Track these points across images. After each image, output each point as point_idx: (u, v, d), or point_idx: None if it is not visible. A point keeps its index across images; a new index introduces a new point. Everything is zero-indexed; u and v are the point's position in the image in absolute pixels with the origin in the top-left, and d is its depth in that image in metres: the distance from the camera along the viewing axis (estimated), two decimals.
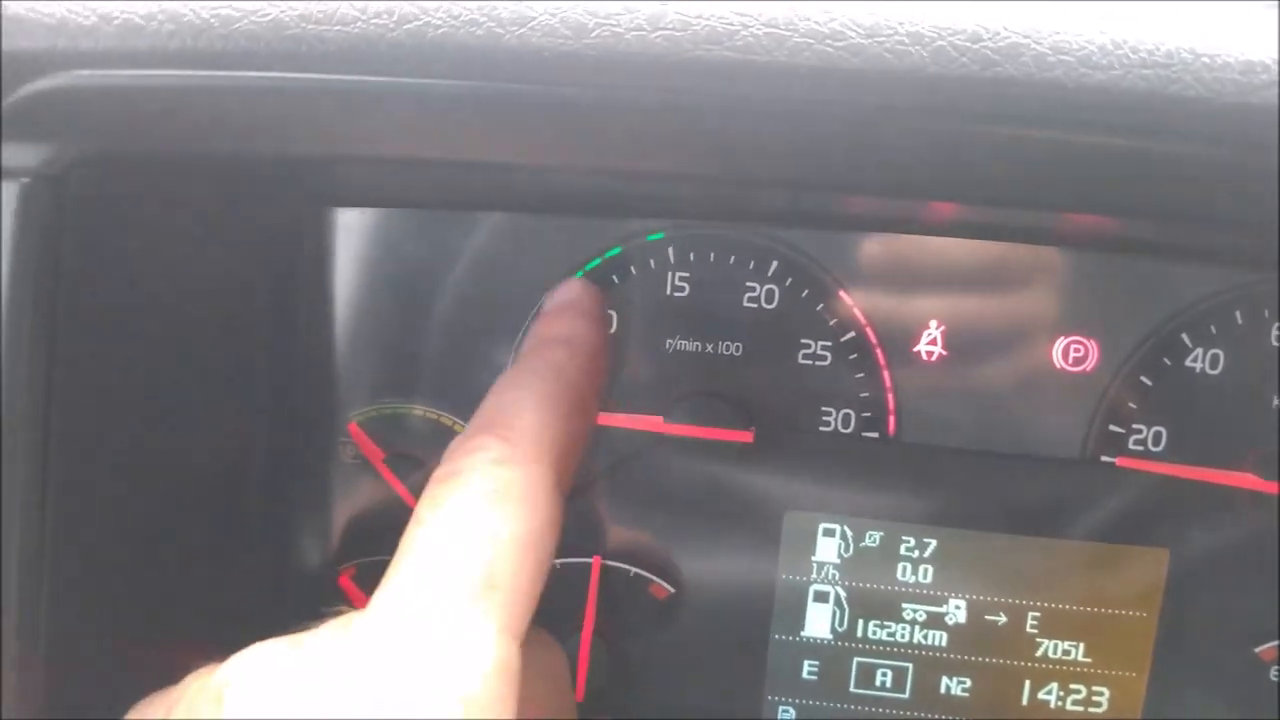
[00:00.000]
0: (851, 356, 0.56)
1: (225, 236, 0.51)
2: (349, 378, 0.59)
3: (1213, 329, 0.53)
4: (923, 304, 0.55)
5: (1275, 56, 0.34)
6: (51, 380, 0.42)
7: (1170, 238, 0.51)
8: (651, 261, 0.56)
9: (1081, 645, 0.55)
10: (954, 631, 0.56)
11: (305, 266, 0.57)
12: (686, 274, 0.56)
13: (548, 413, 0.42)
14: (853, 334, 0.55)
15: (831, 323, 0.55)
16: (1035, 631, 0.55)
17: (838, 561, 0.56)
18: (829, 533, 0.56)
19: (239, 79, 0.36)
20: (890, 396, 0.56)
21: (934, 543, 0.55)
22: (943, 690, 0.56)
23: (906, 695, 0.56)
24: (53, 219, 0.40)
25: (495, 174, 0.47)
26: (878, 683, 0.56)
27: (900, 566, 0.55)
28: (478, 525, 0.37)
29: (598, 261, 0.56)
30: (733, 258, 0.55)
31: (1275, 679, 0.55)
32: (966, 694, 0.56)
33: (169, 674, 0.45)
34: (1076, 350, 0.54)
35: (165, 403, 0.49)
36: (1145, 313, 0.54)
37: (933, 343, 0.55)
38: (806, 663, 0.57)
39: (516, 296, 0.57)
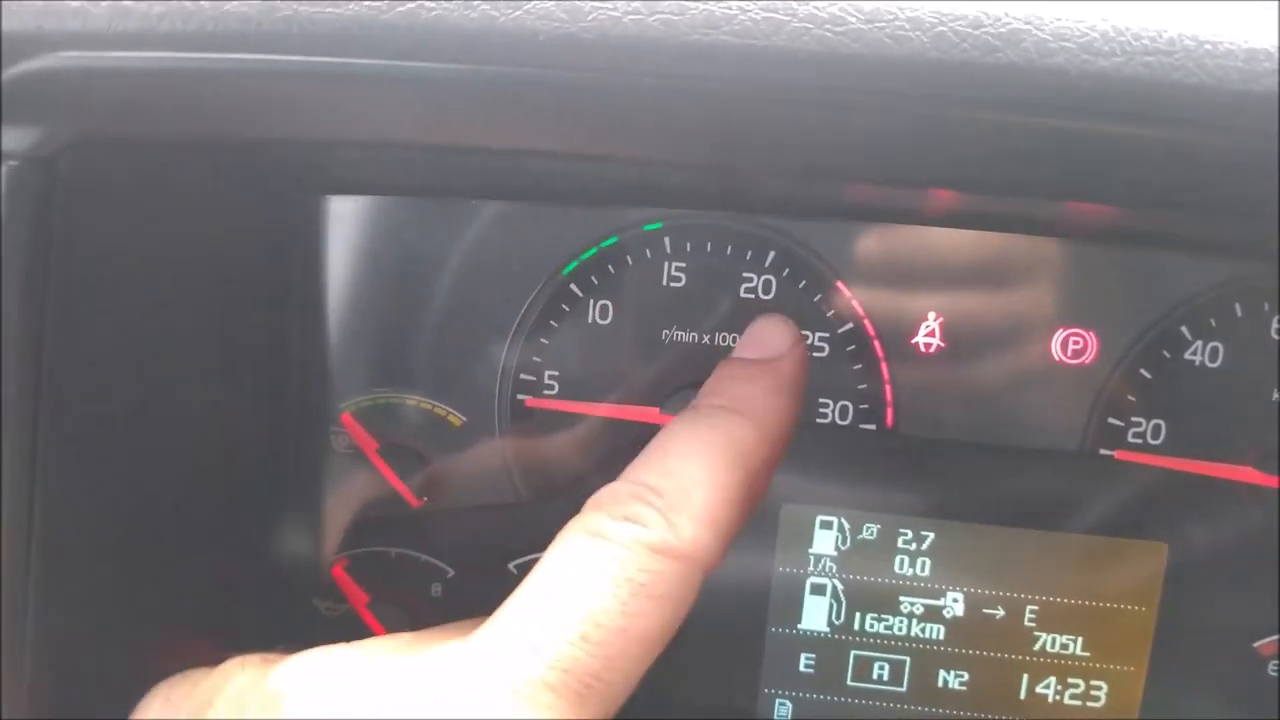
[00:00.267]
0: (849, 348, 0.55)
1: (217, 223, 0.51)
2: (342, 367, 0.58)
3: (1212, 322, 0.53)
4: (921, 296, 0.55)
5: (1277, 44, 0.34)
6: (40, 369, 0.41)
7: (1170, 229, 0.50)
8: (648, 251, 0.55)
9: (1080, 639, 0.55)
10: (952, 625, 0.55)
11: (298, 254, 0.57)
12: (683, 264, 0.55)
13: (722, 505, 0.39)
14: (850, 325, 0.55)
15: (829, 314, 0.55)
16: (1033, 625, 0.55)
17: (835, 554, 0.55)
18: (826, 525, 0.55)
19: (229, 61, 0.35)
20: (888, 388, 0.55)
21: (932, 535, 0.55)
22: (940, 683, 0.56)
23: (904, 689, 0.56)
24: (43, 203, 0.39)
25: (490, 161, 0.47)
26: (875, 676, 0.56)
27: (898, 559, 0.55)
28: (611, 615, 0.35)
29: (594, 251, 0.56)
30: (729, 248, 0.55)
31: (1273, 673, 0.55)
32: (964, 687, 0.56)
33: (159, 666, 0.45)
34: (1075, 342, 0.54)
35: (156, 391, 0.48)
36: (1145, 305, 0.54)
37: (931, 335, 0.55)
38: (803, 656, 0.56)
39: (511, 286, 0.56)
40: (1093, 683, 0.55)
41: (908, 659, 0.56)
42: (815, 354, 0.55)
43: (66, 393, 0.42)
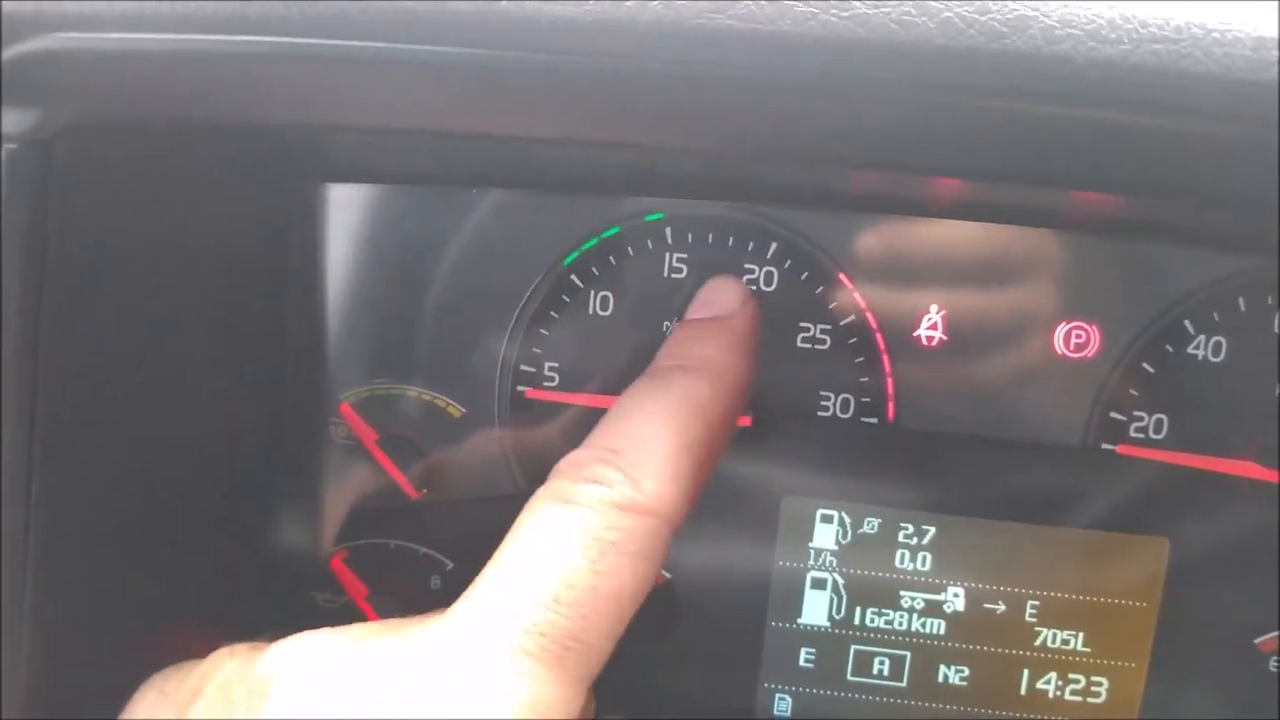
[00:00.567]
0: (851, 341, 0.55)
1: (216, 210, 0.51)
2: (342, 357, 0.58)
3: (1215, 316, 0.53)
4: (923, 289, 0.54)
5: None
6: (38, 355, 0.41)
7: (1174, 221, 0.50)
8: (649, 242, 0.55)
9: (1081, 634, 0.54)
10: (952, 620, 0.55)
11: (297, 242, 0.57)
12: (685, 255, 0.55)
13: (682, 458, 0.39)
14: (852, 318, 0.55)
15: (831, 306, 0.55)
16: (1034, 620, 0.55)
17: (835, 548, 0.55)
18: (827, 519, 0.55)
19: (229, 43, 0.35)
20: (890, 382, 0.55)
21: (933, 530, 0.55)
22: (940, 679, 0.56)
23: (904, 684, 0.56)
24: (41, 186, 0.39)
25: (491, 149, 0.47)
26: (875, 671, 0.56)
27: (899, 554, 0.55)
28: (582, 575, 0.36)
29: (595, 241, 0.55)
30: (731, 239, 0.55)
31: (1274, 670, 0.54)
32: (964, 683, 0.55)
33: (157, 658, 0.45)
34: (1078, 336, 0.54)
35: (153, 380, 0.48)
36: (1147, 299, 0.53)
37: (933, 328, 0.55)
38: (803, 650, 0.56)
39: (512, 276, 0.56)
40: (1093, 678, 0.55)
41: (908, 654, 0.56)
42: (817, 347, 0.55)
43: (64, 379, 0.42)
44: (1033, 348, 0.54)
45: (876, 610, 0.56)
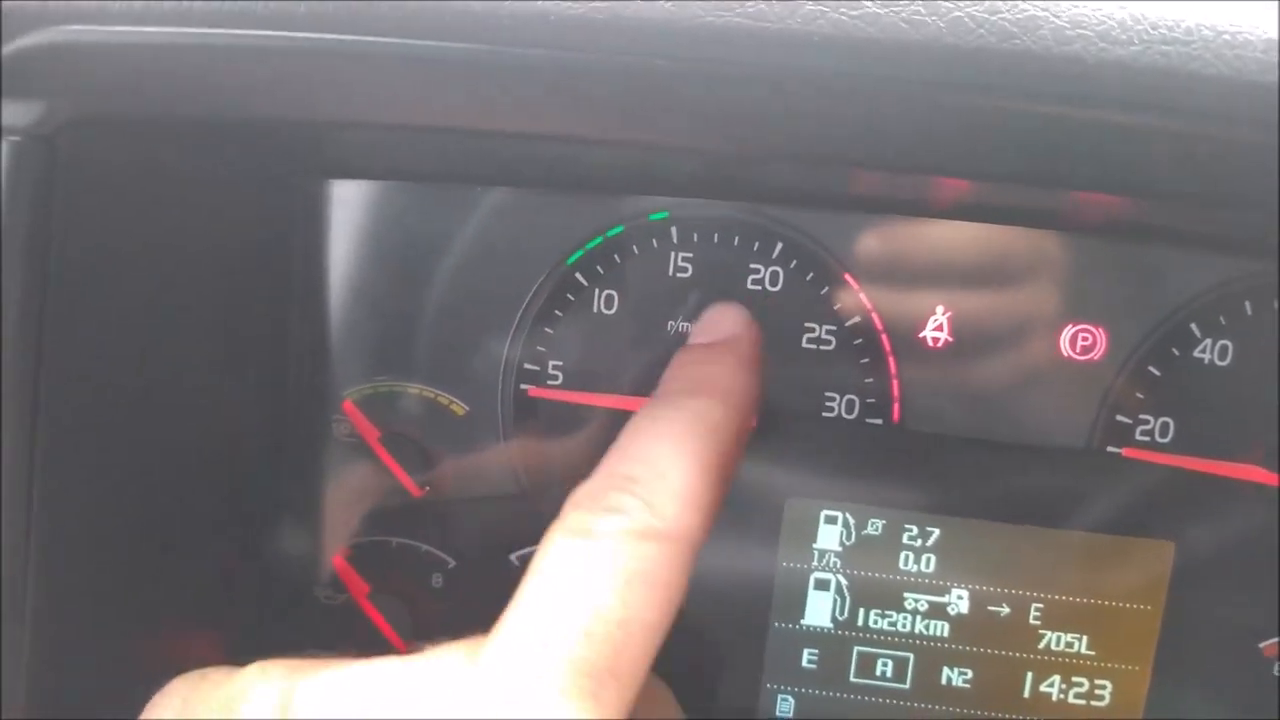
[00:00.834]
0: (856, 342, 0.55)
1: (218, 207, 0.50)
2: (344, 354, 0.58)
3: (1222, 319, 0.53)
4: (929, 290, 0.54)
5: None
6: (40, 355, 0.41)
7: (1181, 224, 0.50)
8: (654, 241, 0.55)
9: (1085, 638, 0.54)
10: (956, 622, 0.55)
11: (300, 239, 0.57)
12: (690, 254, 0.55)
13: (699, 481, 0.39)
14: (858, 319, 0.55)
15: (836, 307, 0.55)
16: (1038, 623, 0.54)
17: (839, 549, 0.55)
18: (831, 520, 0.55)
19: (234, 38, 0.35)
20: (895, 383, 0.55)
21: (937, 532, 0.54)
22: (944, 681, 0.55)
23: (907, 685, 0.56)
24: (44, 182, 0.39)
25: (496, 147, 0.47)
26: (878, 673, 0.56)
27: (903, 555, 0.55)
28: (612, 609, 0.35)
29: (600, 240, 0.55)
30: (737, 239, 0.55)
31: (1278, 675, 0.54)
32: (968, 685, 0.55)
33: (161, 658, 0.45)
34: (1084, 339, 0.54)
35: (156, 378, 0.48)
36: (1154, 302, 0.53)
37: (939, 329, 0.54)
38: (806, 651, 0.56)
39: (516, 274, 0.56)
40: (1097, 682, 0.55)
41: (911, 656, 0.55)
42: (822, 347, 0.55)
43: (66, 381, 0.42)
44: (1039, 350, 0.54)
45: (880, 612, 0.55)
